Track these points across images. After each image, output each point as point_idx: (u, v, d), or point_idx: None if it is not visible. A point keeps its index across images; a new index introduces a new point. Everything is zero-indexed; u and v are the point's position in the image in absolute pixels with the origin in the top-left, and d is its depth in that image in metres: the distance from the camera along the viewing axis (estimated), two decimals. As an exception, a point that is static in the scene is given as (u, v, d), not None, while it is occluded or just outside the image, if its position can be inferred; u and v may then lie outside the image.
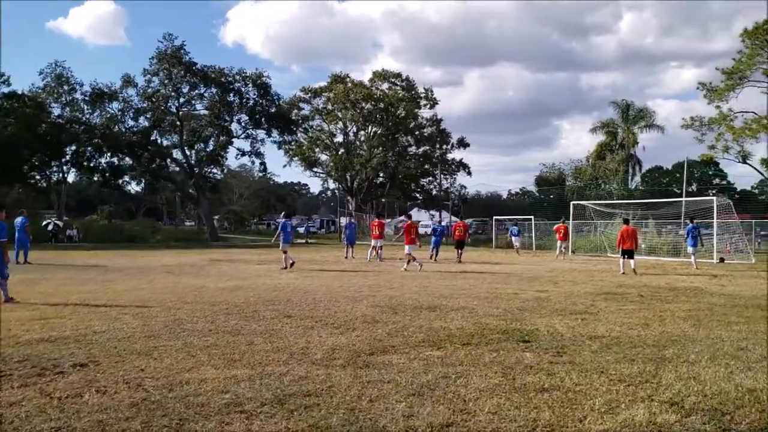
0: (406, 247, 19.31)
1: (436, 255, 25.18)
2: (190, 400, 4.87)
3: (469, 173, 58.69)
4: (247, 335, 7.64)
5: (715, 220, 24.93)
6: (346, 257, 24.90)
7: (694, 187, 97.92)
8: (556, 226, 29.42)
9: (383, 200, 70.34)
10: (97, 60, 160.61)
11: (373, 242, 23.81)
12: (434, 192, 58.42)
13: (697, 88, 41.79)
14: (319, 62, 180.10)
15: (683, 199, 31.49)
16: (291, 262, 18.71)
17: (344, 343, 7.13)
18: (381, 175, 57.62)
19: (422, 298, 11.54)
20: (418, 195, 59.71)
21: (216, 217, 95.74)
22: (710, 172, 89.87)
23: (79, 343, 7.11)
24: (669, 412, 4.66)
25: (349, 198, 55.83)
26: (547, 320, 9.07)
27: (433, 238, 26.27)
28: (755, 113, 39.72)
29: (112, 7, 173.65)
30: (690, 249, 21.75)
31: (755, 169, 42.80)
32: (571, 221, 30.55)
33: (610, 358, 6.48)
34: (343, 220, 60.99)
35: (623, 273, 18.11)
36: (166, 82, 43.37)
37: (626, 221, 20.29)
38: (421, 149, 57.30)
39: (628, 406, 4.82)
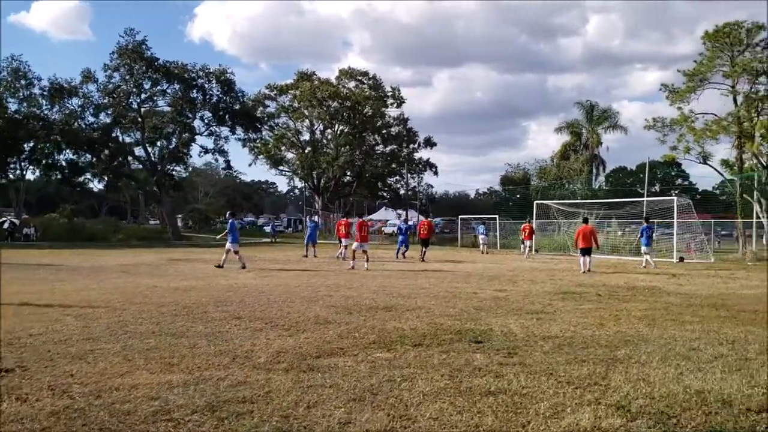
0: (354, 243, 19.66)
1: (405, 252, 25.11)
2: (116, 407, 4.59)
3: (436, 173, 58.93)
4: (191, 338, 7.35)
5: (675, 220, 25.25)
6: (306, 256, 24.71)
7: (657, 188, 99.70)
8: (523, 226, 29.60)
9: (351, 199, 70.16)
10: (61, 55, 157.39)
11: (343, 241, 23.83)
12: (401, 191, 58.38)
13: (660, 90, 42.37)
14: (287, 60, 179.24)
15: (645, 199, 31.85)
16: (242, 264, 18.30)
17: (291, 346, 6.89)
18: (348, 173, 57.34)
19: (380, 298, 11.35)
20: (385, 194, 59.52)
21: (180, 215, 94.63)
22: (673, 173, 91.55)
23: (11, 346, 6.74)
24: (615, 416, 4.54)
25: (315, 197, 55.42)
26: (503, 320, 8.95)
27: (400, 237, 26.20)
28: (715, 114, 40.43)
29: (74, 4, 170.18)
30: (644, 248, 21.95)
31: (715, 169, 43.53)
32: (534, 220, 30.69)
33: (561, 360, 6.36)
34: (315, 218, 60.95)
35: (583, 271, 18.39)
36: (127, 77, 42.44)
37: (585, 220, 20.65)
38: (389, 148, 57.16)
39: (574, 410, 4.68)
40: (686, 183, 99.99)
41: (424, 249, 24.94)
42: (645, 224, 22.34)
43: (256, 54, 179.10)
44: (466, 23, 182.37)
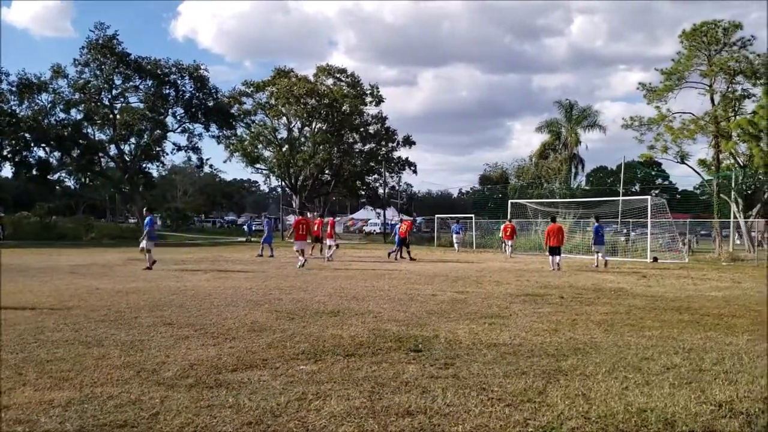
0: (296, 243, 19.67)
1: (399, 254, 24.88)
2: (-29, 434, 4.00)
3: (415, 171, 58.32)
4: (106, 347, 6.74)
5: (648, 220, 24.92)
6: (260, 255, 24.42)
7: (637, 187, 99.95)
8: (504, 225, 29.29)
9: (334, 198, 69.42)
10: (43, 52, 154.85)
11: (327, 241, 23.69)
12: (380, 190, 57.81)
13: (638, 88, 42.21)
14: (272, 58, 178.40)
15: (620, 198, 31.56)
16: (153, 261, 17.56)
17: (211, 357, 6.31)
18: (327, 172, 56.60)
19: (331, 302, 10.79)
20: (363, 193, 58.87)
21: (158, 214, 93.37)
22: (653, 173, 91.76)
23: None
24: (540, 441, 4.02)
25: (293, 195, 54.67)
26: (453, 325, 8.43)
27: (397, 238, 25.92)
28: (693, 114, 40.29)
29: (56, 2, 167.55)
30: (594, 247, 21.69)
31: (693, 169, 43.36)
32: (508, 220, 30.26)
33: (501, 371, 5.84)
34: (292, 218, 60.10)
35: (552, 270, 18.50)
36: (97, 73, 41.46)
37: (553, 219, 20.70)
38: (367, 147, 56.52)
39: (496, 433, 4.15)
40: (666, 183, 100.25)
41: (405, 248, 24.75)
42: (596, 224, 22.06)
43: (240, 52, 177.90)
44: (451, 23, 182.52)
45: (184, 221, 77.69)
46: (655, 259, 24.25)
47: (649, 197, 26.38)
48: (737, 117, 32.40)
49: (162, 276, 15.58)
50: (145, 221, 18.42)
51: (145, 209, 20.19)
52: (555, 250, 19.17)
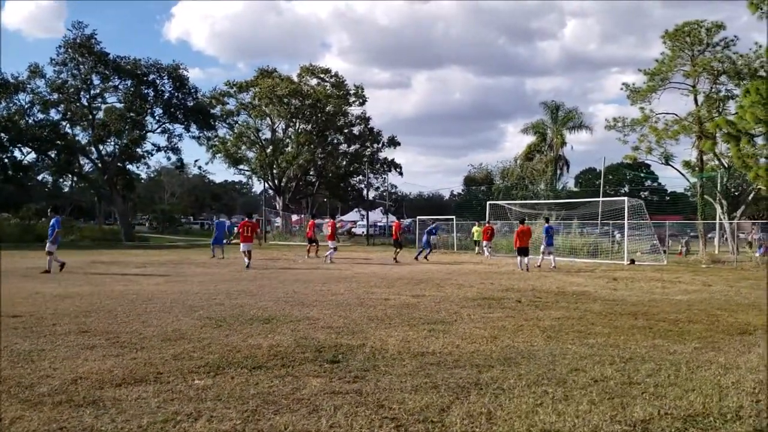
0: (241, 245, 20.07)
1: (428, 254, 24.97)
2: None
3: (401, 173, 57.75)
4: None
5: (625, 221, 24.53)
6: (213, 256, 24.25)
7: (626, 189, 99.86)
8: (484, 227, 29.02)
9: (325, 200, 68.72)
10: (35, 53, 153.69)
11: (329, 243, 23.68)
12: (365, 191, 57.26)
13: (621, 89, 41.86)
14: (265, 60, 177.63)
15: (599, 199, 31.17)
16: (59, 264, 16.94)
17: (102, 370, 5.81)
18: (311, 173, 56.05)
19: (273, 307, 10.28)
20: (346, 194, 58.25)
21: (146, 216, 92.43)
22: (642, 174, 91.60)
23: None
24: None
25: (277, 197, 54.10)
26: (387, 332, 7.96)
27: (424, 238, 25.95)
28: (676, 115, 39.94)
29: (49, 2, 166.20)
30: (544, 248, 21.74)
31: (677, 170, 42.97)
32: (487, 221, 29.84)
33: (412, 385, 5.37)
34: (278, 220, 59.41)
35: (522, 271, 18.90)
36: (75, 72, 40.79)
37: (522, 221, 20.75)
38: (352, 148, 56.01)
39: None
40: (656, 184, 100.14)
41: (395, 249, 24.77)
42: (546, 224, 22.00)
43: (234, 54, 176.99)
44: (445, 25, 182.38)
45: (171, 223, 76.95)
46: (632, 261, 23.84)
47: (626, 198, 25.96)
48: (716, 117, 31.97)
49: (116, 280, 15.02)
50: (51, 223, 17.63)
51: (49, 210, 19.52)
52: (523, 251, 19.62)
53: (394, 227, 26.09)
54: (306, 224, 34.30)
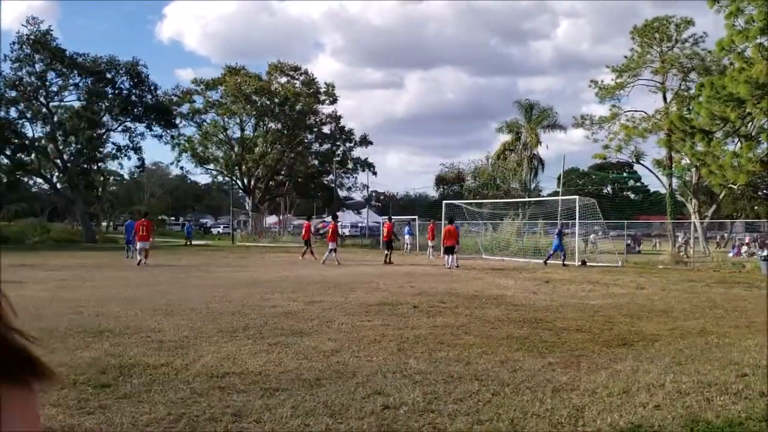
0: (138, 243, 20.90)
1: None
2: None
3: (374, 172, 56.88)
4: None
5: (577, 221, 23.75)
6: (128, 257, 23.78)
7: (609, 189, 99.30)
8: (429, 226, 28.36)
9: (315, 200, 67.62)
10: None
11: (330, 245, 23.02)
12: (342, 191, 56.47)
13: (589, 86, 41.13)
14: (258, 60, 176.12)
15: (559, 198, 30.42)
16: None
17: None
18: (283, 173, 55.13)
19: (134, 317, 9.39)
20: (316, 194, 57.32)
21: (123, 216, 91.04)
22: (625, 174, 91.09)
23: None
24: None
25: (246, 197, 53.21)
26: (218, 348, 7.08)
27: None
28: (645, 112, 39.24)
29: (41, 3, 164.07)
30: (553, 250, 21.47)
31: (648, 169, 42.22)
32: (442, 221, 29.02)
33: (152, 417, 4.49)
34: (250, 222, 58.42)
35: (448, 268, 20.17)
36: (29, 69, 39.70)
37: (450, 221, 21.53)
38: (324, 147, 55.15)
39: None
40: (638, 184, 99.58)
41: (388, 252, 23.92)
42: (557, 229, 21.62)
43: (226, 54, 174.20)
44: (438, 25, 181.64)
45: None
46: (584, 263, 23.04)
47: (577, 197, 25.17)
48: (669, 113, 31.30)
49: (30, 283, 13.95)
50: None
51: None
52: (449, 250, 20.79)
53: (385, 228, 25.20)
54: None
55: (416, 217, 36.41)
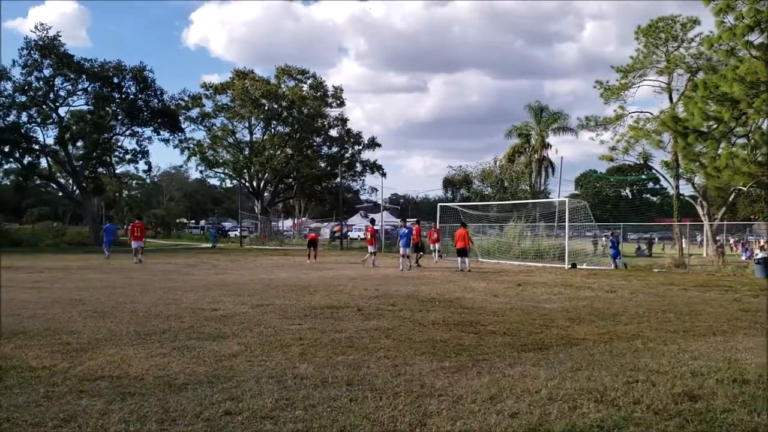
0: (132, 243, 23.47)
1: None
2: None
3: (384, 174, 56.57)
4: None
5: (567, 223, 23.38)
6: (107, 258, 25.06)
7: (627, 192, 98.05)
8: (430, 230, 28.15)
9: (323, 203, 67.51)
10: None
11: (369, 248, 23.75)
12: (345, 194, 56.34)
13: (594, 87, 40.53)
14: (283, 65, 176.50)
15: (555, 200, 29.99)
16: None
17: None
18: (293, 175, 55.19)
19: (71, 319, 9.42)
20: (325, 197, 57.22)
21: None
22: (643, 176, 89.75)
23: None
24: None
25: (255, 200, 53.41)
26: (119, 350, 7.06)
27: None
28: (650, 113, 38.55)
29: (73, 8, 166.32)
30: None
31: (656, 171, 41.47)
32: (437, 223, 28.84)
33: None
34: (258, 225, 58.56)
35: (460, 270, 20.41)
36: (37, 74, 40.36)
37: (463, 224, 21.89)
38: (333, 149, 55.16)
39: None
40: (657, 186, 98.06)
41: (416, 254, 23.89)
42: (611, 236, 21.80)
43: (251, 59, 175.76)
44: (462, 29, 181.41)
45: (165, 228, 76.07)
46: (574, 266, 22.65)
47: (567, 199, 24.79)
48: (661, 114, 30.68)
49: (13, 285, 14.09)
50: None
51: None
52: (461, 252, 21.06)
53: (414, 231, 25.09)
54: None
55: (418, 219, 35.98)
